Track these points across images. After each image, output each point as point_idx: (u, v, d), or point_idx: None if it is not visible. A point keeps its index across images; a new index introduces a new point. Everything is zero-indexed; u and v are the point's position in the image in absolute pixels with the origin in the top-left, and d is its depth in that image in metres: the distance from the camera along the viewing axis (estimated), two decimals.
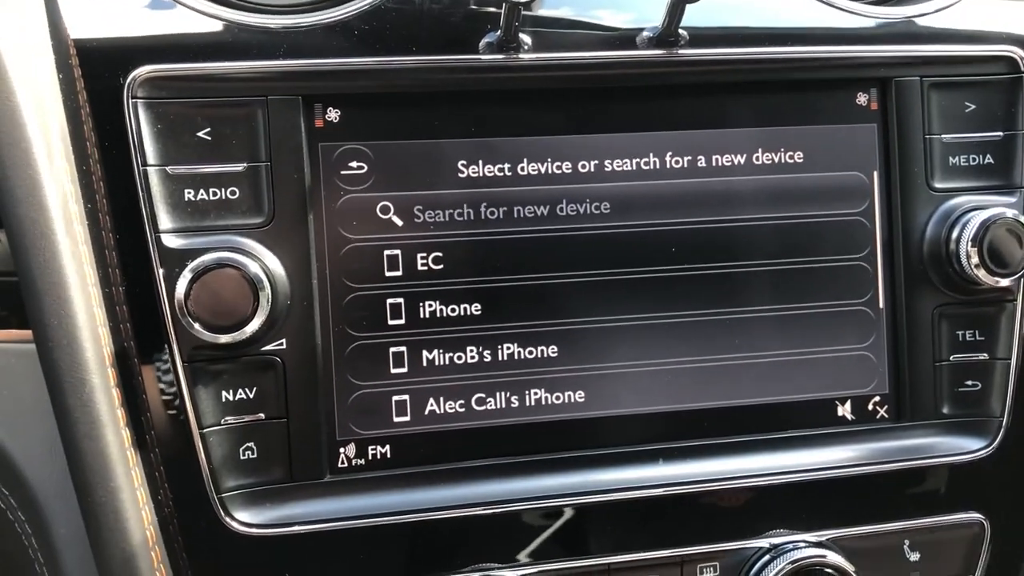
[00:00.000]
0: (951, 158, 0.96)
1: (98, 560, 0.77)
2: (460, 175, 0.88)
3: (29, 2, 0.82)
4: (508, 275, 0.89)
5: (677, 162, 0.92)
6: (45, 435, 0.86)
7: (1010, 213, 0.92)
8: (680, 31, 0.90)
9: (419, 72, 0.86)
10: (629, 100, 0.91)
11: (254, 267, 0.80)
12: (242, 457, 0.84)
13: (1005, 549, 0.97)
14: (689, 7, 0.87)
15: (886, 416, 0.96)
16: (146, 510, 0.81)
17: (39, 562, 0.85)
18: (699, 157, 0.92)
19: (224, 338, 0.80)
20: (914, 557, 0.94)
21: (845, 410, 0.96)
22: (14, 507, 0.86)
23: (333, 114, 0.86)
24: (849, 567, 0.90)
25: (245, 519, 0.83)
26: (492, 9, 0.88)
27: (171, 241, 0.81)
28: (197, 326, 0.79)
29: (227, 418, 0.83)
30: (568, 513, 0.88)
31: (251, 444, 0.84)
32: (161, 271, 0.81)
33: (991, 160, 0.96)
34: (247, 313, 0.80)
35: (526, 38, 0.88)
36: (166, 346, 0.81)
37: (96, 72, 0.82)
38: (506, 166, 0.89)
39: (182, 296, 0.79)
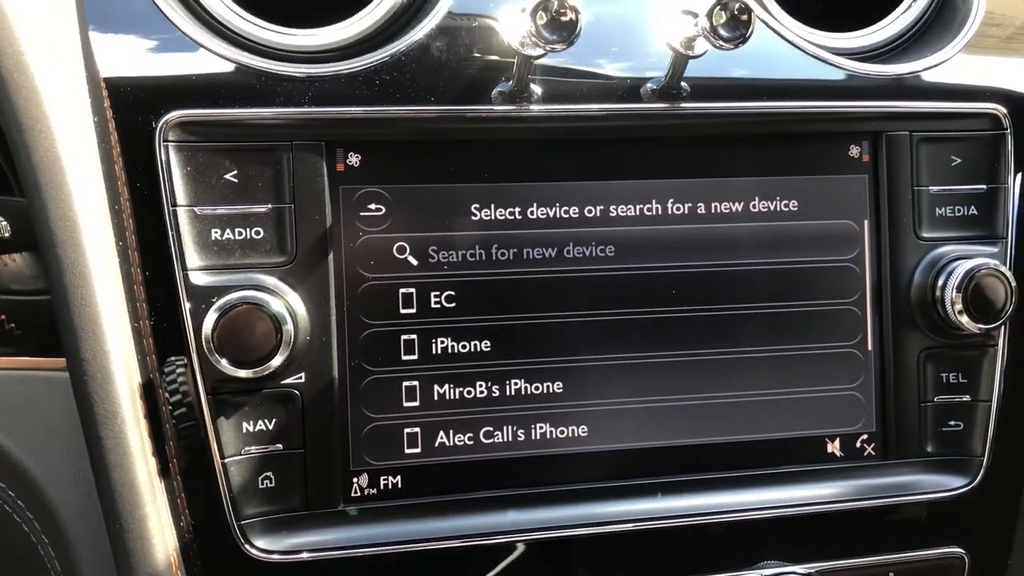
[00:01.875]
0: (938, 209, 1.01)
1: None
2: (473, 218, 0.93)
3: (67, 46, 0.86)
4: (517, 314, 0.93)
5: (678, 208, 0.97)
6: (69, 460, 0.90)
7: (993, 263, 0.97)
8: (682, 84, 0.95)
9: (435, 121, 0.91)
10: (633, 149, 0.96)
11: (277, 305, 0.84)
12: (260, 486, 0.87)
13: None
14: (692, 61, 0.92)
15: (873, 454, 1.01)
16: (169, 535, 0.84)
17: None
18: (699, 204, 0.97)
19: (247, 373, 0.84)
20: None
21: (834, 447, 1.00)
22: (38, 531, 0.89)
23: (354, 159, 0.91)
24: None
25: (263, 546, 0.86)
26: (505, 60, 0.92)
27: (198, 279, 0.85)
28: (224, 361, 0.83)
29: (247, 448, 0.87)
30: (571, 544, 0.92)
31: (269, 473, 0.88)
32: (188, 307, 0.84)
33: (975, 211, 1.02)
34: (269, 349, 0.83)
35: (536, 88, 0.92)
36: (191, 379, 0.84)
37: (129, 115, 0.85)
38: (516, 210, 0.94)
39: (209, 332, 0.82)
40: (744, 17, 0.86)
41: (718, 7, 0.86)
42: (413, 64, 0.90)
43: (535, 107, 0.92)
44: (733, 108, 0.96)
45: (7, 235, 1.21)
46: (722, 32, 0.87)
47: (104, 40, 0.87)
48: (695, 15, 0.89)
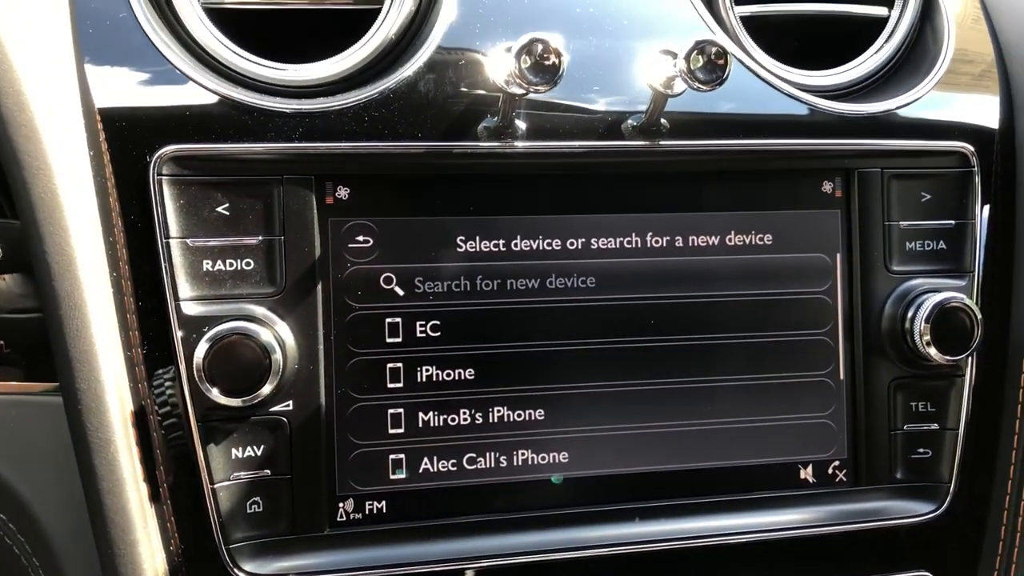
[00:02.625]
0: (907, 243, 1.04)
1: None
2: (459, 249, 0.96)
3: (64, 81, 0.88)
4: (500, 343, 0.96)
5: (657, 242, 1.00)
6: (60, 484, 0.91)
7: (960, 296, 1.00)
8: (662, 120, 0.98)
9: (423, 156, 0.93)
10: (614, 183, 0.99)
11: (266, 335, 0.87)
12: (249, 511, 0.90)
13: None
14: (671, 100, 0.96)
15: (844, 480, 1.04)
16: (159, 559, 0.86)
17: None
18: (677, 237, 1.00)
19: (236, 401, 0.86)
20: None
21: (807, 473, 1.03)
22: (29, 553, 0.91)
23: (343, 192, 0.93)
24: None
25: (251, 569, 0.89)
26: (491, 97, 0.95)
27: (190, 308, 0.88)
28: (214, 390, 0.85)
29: (236, 474, 0.89)
30: (551, 568, 0.95)
31: (257, 498, 0.90)
32: (180, 336, 0.87)
33: (944, 246, 1.05)
34: (258, 378, 0.86)
35: (521, 124, 0.95)
36: (183, 407, 0.87)
37: (123, 149, 0.88)
38: (501, 242, 0.97)
39: (200, 361, 0.85)
40: (720, 61, 0.90)
41: (695, 51, 0.90)
42: (401, 100, 0.93)
43: (520, 143, 0.95)
44: (711, 146, 0.99)
45: None
46: (699, 75, 0.90)
47: (100, 75, 0.89)
48: (675, 55, 0.93)
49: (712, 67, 0.90)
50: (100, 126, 0.88)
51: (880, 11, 1.13)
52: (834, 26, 1.13)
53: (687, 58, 0.90)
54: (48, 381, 1.00)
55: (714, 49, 0.89)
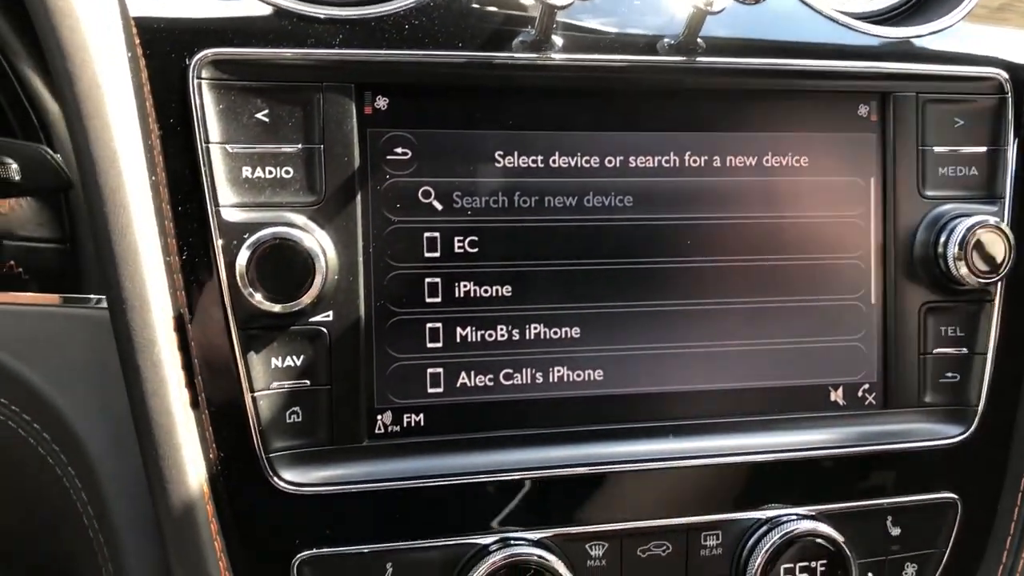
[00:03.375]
0: (940, 168, 1.05)
1: (158, 509, 0.82)
2: (497, 165, 0.95)
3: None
4: (537, 260, 0.96)
5: (695, 161, 0.99)
6: (95, 394, 0.91)
7: (992, 220, 1.01)
8: (699, 40, 0.97)
9: (461, 67, 0.92)
10: (652, 101, 0.99)
11: (309, 242, 0.86)
12: (288, 421, 0.89)
13: (974, 527, 1.06)
14: (709, 18, 0.95)
15: (874, 403, 1.05)
16: (201, 465, 0.86)
17: (88, 515, 0.90)
18: (715, 157, 1.00)
19: (278, 308, 0.85)
20: (895, 531, 1.03)
21: (837, 396, 1.04)
22: (64, 463, 0.90)
23: (382, 102, 0.92)
24: (839, 537, 0.98)
25: (290, 478, 0.88)
26: (529, 11, 0.94)
27: (230, 215, 0.86)
28: (257, 296, 0.84)
29: (276, 383, 0.88)
30: (585, 482, 0.95)
31: (296, 408, 0.89)
32: (220, 243, 0.86)
33: (976, 172, 1.05)
34: (301, 287, 0.85)
35: (558, 39, 0.94)
36: (222, 314, 0.86)
37: (160, 52, 0.86)
38: (539, 158, 0.96)
39: (242, 268, 0.84)
40: None
41: None
42: (441, 10, 0.92)
43: (557, 56, 0.94)
44: (748, 64, 0.99)
45: (17, 178, 1.21)
46: None
47: None
48: None
49: None
50: (135, 30, 0.86)
51: None
52: None
53: None
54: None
55: None
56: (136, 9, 0.87)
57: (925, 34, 1.05)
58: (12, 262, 1.27)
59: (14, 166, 1.21)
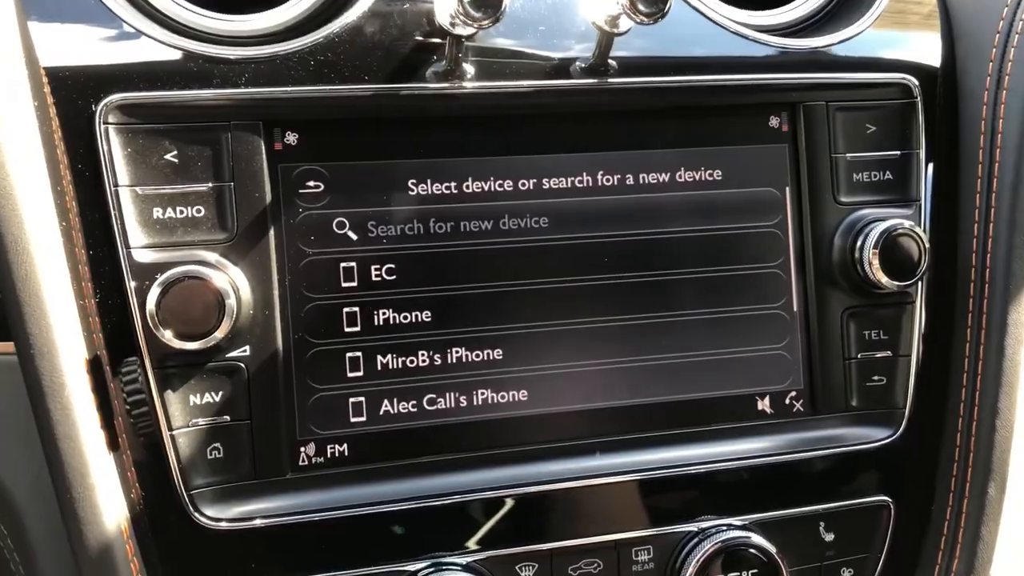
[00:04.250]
0: (855, 175, 1.06)
1: (76, 550, 0.83)
2: (410, 193, 0.96)
3: (5, 33, 0.87)
4: (456, 284, 0.97)
5: (608, 180, 1.01)
6: (16, 442, 0.91)
7: (907, 224, 1.02)
8: (609, 61, 0.99)
9: (370, 99, 0.94)
10: (564, 124, 1.00)
11: (219, 279, 0.87)
12: (209, 457, 0.90)
13: (908, 529, 1.07)
14: (617, 39, 0.96)
15: (802, 409, 1.06)
16: (120, 506, 0.86)
17: (15, 561, 0.90)
18: (628, 175, 1.01)
19: (192, 346, 0.86)
20: (829, 537, 1.03)
21: (764, 404, 1.05)
22: None
23: (291, 137, 0.93)
24: (771, 547, 0.98)
25: (212, 514, 0.89)
26: (437, 40, 0.96)
27: (141, 256, 0.88)
28: (168, 334, 0.85)
29: (195, 420, 0.89)
30: (513, 503, 0.96)
31: (217, 444, 0.90)
32: (132, 284, 0.87)
33: (890, 176, 1.07)
34: (213, 322, 0.86)
35: (468, 68, 0.96)
36: (137, 354, 0.87)
37: (68, 99, 0.88)
38: (452, 184, 0.97)
39: (153, 307, 0.85)
40: None
41: None
42: (347, 45, 0.94)
43: (467, 85, 0.95)
44: (657, 82, 1.00)
45: None
46: (641, 8, 0.91)
47: (42, 28, 0.89)
48: None
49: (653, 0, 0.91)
50: (44, 79, 0.87)
51: None
52: None
53: None
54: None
55: None
56: (45, 58, 0.88)
57: (832, 43, 1.07)
58: None
59: None
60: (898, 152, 1.07)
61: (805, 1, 1.13)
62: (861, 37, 1.08)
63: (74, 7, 0.90)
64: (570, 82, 0.98)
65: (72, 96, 0.88)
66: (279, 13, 0.98)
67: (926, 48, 1.10)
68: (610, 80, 0.99)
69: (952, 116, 1.09)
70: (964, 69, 1.10)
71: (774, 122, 1.05)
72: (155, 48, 0.90)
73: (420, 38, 0.96)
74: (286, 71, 0.92)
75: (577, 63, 0.99)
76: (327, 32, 0.93)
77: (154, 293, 0.85)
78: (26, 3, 0.89)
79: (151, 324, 0.85)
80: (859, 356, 1.06)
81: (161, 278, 0.85)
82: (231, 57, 0.91)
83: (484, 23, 0.87)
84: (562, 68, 0.98)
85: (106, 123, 0.87)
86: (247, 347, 0.91)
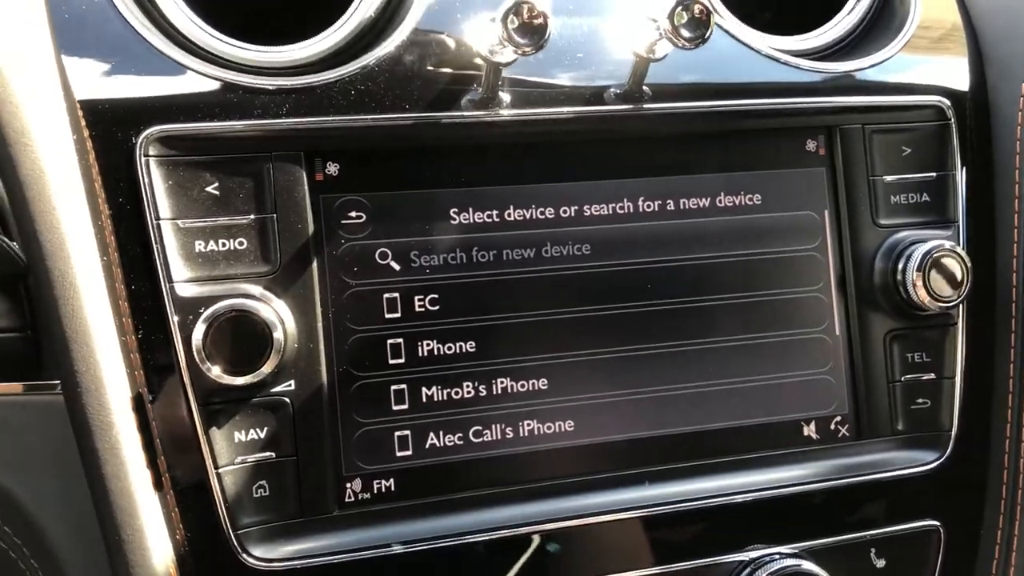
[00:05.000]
0: (892, 196, 1.06)
1: None
2: (452, 222, 0.95)
3: (43, 68, 0.86)
4: (499, 314, 0.95)
5: (649, 206, 1.00)
6: (55, 482, 0.89)
7: (948, 244, 1.01)
8: (644, 88, 0.98)
9: (410, 129, 0.93)
10: (604, 150, 0.99)
11: (266, 312, 0.85)
12: (255, 495, 0.87)
13: (959, 552, 1.06)
14: (652, 65, 0.96)
15: (847, 434, 1.04)
16: (167, 545, 0.84)
17: None
18: (668, 201, 1.01)
19: (238, 381, 0.84)
20: (880, 563, 1.02)
21: (811, 430, 1.03)
22: (26, 556, 0.87)
23: (332, 168, 0.92)
24: (823, 573, 0.97)
25: (260, 554, 0.86)
26: (475, 69, 0.95)
27: (184, 290, 0.86)
28: (215, 370, 0.83)
29: (240, 458, 0.87)
30: (563, 536, 0.94)
31: (263, 482, 0.88)
32: (176, 319, 0.85)
33: (927, 198, 1.07)
34: (261, 357, 0.84)
35: (506, 95, 0.95)
36: (182, 391, 0.85)
37: (106, 133, 0.86)
38: (494, 212, 0.96)
39: (199, 341, 0.83)
40: (704, 17, 0.90)
41: (680, 8, 0.90)
42: (386, 74, 0.93)
43: (506, 112, 0.95)
44: (695, 107, 1.00)
45: None
46: (684, 32, 0.90)
47: (78, 62, 0.87)
48: (655, 20, 0.94)
49: (696, 24, 0.90)
50: (81, 113, 0.86)
51: None
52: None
53: (671, 16, 0.90)
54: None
55: (697, 6, 0.90)
56: (81, 92, 0.87)
57: (866, 67, 1.07)
58: None
59: None
60: (934, 173, 1.07)
61: (834, 26, 1.13)
62: (893, 60, 1.08)
63: (109, 39, 0.88)
64: (607, 108, 0.98)
65: (110, 129, 0.86)
66: (315, 44, 0.97)
67: (957, 70, 1.11)
68: (646, 106, 0.99)
69: (986, 137, 1.10)
70: (996, 91, 1.10)
71: (811, 146, 1.05)
72: (194, 79, 0.89)
73: (458, 66, 0.95)
74: (327, 101, 0.91)
75: (612, 89, 0.98)
76: (367, 61, 0.92)
77: (200, 328, 0.83)
78: (60, 36, 0.88)
79: (197, 360, 0.83)
80: (903, 379, 1.05)
81: (207, 312, 0.84)
82: (271, 87, 0.90)
83: (528, 50, 0.87)
84: (598, 95, 0.98)
85: (146, 156, 0.86)
86: (292, 381, 0.89)
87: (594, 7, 1.01)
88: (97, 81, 0.87)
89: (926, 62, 1.11)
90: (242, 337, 0.84)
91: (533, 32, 0.86)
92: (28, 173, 0.79)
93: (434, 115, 0.93)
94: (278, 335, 0.85)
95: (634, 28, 0.96)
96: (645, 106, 0.98)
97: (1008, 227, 1.07)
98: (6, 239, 1.28)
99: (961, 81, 1.11)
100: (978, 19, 1.16)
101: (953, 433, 1.04)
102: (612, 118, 0.98)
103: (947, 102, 1.07)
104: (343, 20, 0.97)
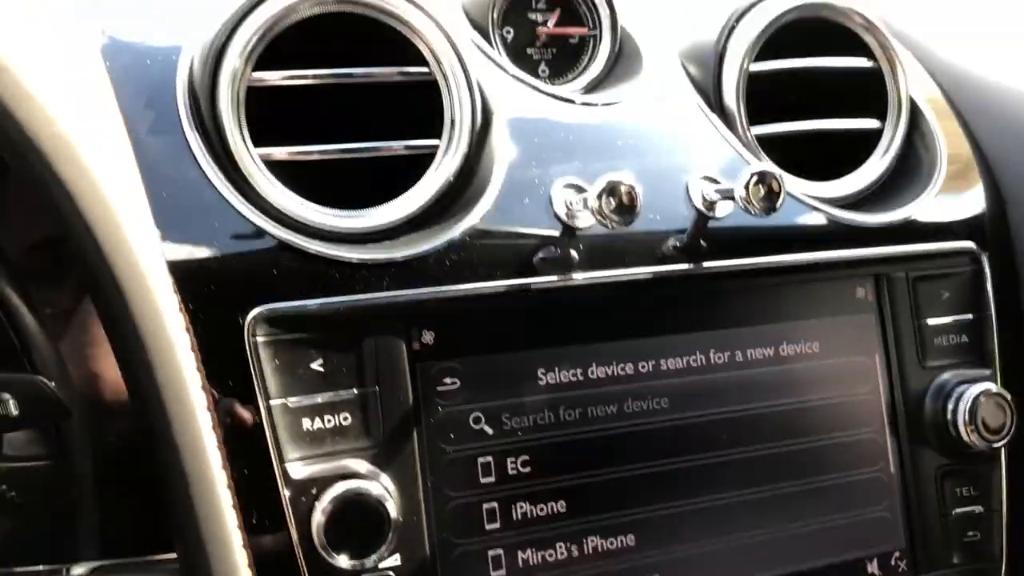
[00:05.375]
0: (936, 339, 1.13)
1: None
2: (540, 382, 0.97)
3: (144, 243, 0.86)
4: (587, 471, 0.98)
5: (719, 358, 1.04)
6: None
7: (994, 388, 1.08)
8: (702, 243, 1.03)
9: (501, 296, 0.96)
10: (676, 305, 1.04)
11: (377, 490, 0.86)
12: None
13: None
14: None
15: (906, 569, 1.09)
16: None
17: None
18: (736, 352, 1.05)
19: (353, 562, 0.85)
20: None
21: (874, 568, 1.08)
22: None
23: (428, 336, 0.94)
24: None
25: None
26: (555, 232, 0.98)
27: (296, 471, 0.86)
28: (336, 556, 0.83)
29: None
30: None
31: None
32: (289, 501, 0.85)
33: (967, 338, 1.14)
34: (378, 537, 0.85)
35: (583, 255, 0.99)
36: (296, 573, 0.84)
37: (210, 313, 0.86)
38: (578, 371, 0.99)
39: (319, 527, 0.83)
40: (778, 190, 0.96)
41: (756, 182, 0.95)
42: (475, 245, 0.95)
43: (586, 274, 0.98)
44: (757, 264, 1.05)
45: (16, 413, 1.16)
46: (758, 204, 0.95)
47: (177, 240, 0.87)
48: (715, 181, 1.00)
49: (771, 195, 0.96)
50: (180, 289, 0.86)
51: (874, 124, 1.22)
52: (829, 140, 1.22)
53: (746, 187, 0.96)
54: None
55: (774, 182, 0.95)
56: (182, 266, 0.86)
57: (907, 217, 1.14)
58: (3, 486, 1.22)
59: (11, 401, 1.17)
60: (971, 316, 1.14)
61: (865, 173, 1.20)
62: (929, 207, 1.16)
63: (206, 217, 0.89)
64: (677, 268, 1.02)
65: (214, 309, 0.86)
66: (398, 208, 0.98)
67: (981, 211, 1.19)
68: (706, 263, 1.03)
69: (1013, 276, 1.18)
70: (1018, 232, 1.18)
71: (860, 293, 1.11)
72: (296, 255, 0.90)
73: (538, 230, 0.99)
74: (423, 271, 0.93)
75: (672, 241, 1.03)
76: (453, 235, 0.95)
77: (318, 513, 0.83)
78: (156, 212, 0.88)
79: (316, 543, 0.83)
80: (954, 513, 1.10)
81: (325, 496, 0.84)
82: (370, 262, 0.92)
83: (620, 227, 0.91)
84: (664, 251, 1.02)
85: (254, 336, 0.86)
86: (398, 555, 0.89)
87: (654, 167, 1.06)
88: (198, 261, 0.87)
89: (956, 204, 1.18)
90: (360, 518, 0.84)
91: (626, 211, 0.90)
92: (155, 346, 0.79)
93: (524, 282, 0.96)
94: (392, 512, 0.86)
95: (695, 187, 1.02)
96: (705, 263, 1.03)
97: None
98: (47, 381, 1.26)
99: (986, 221, 1.18)
100: (991, 155, 1.25)
101: (1003, 565, 1.10)
102: (677, 276, 1.02)
103: (974, 247, 1.15)
104: (424, 183, 0.99)
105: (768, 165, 0.99)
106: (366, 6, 0.98)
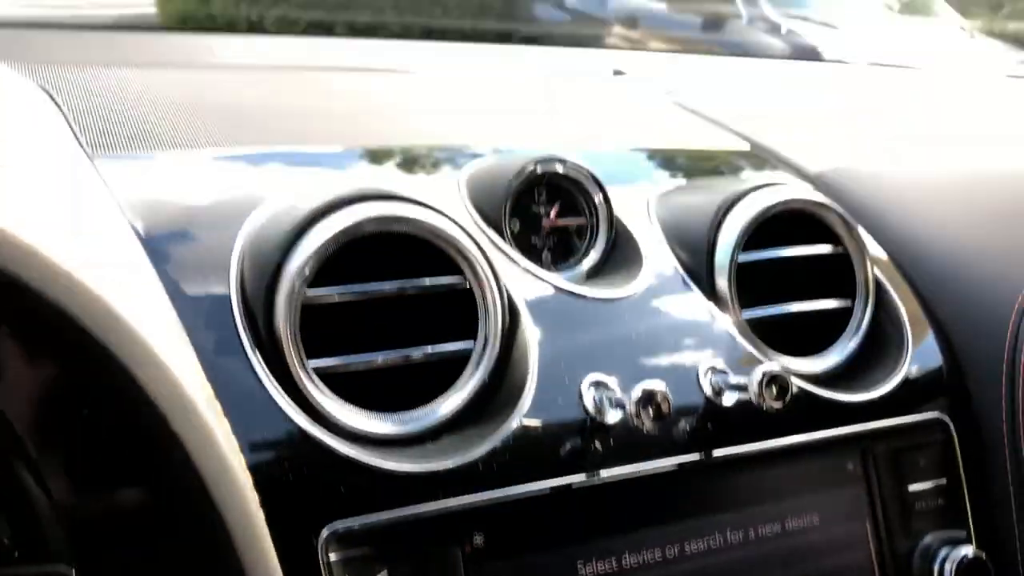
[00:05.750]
0: (918, 504, 1.24)
1: None
2: (580, 574, 1.05)
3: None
4: None
5: (736, 537, 1.13)
6: None
7: (972, 553, 1.20)
8: (709, 426, 1.13)
9: (545, 497, 1.03)
10: (694, 490, 1.13)
11: None
12: None
13: None
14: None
15: None
16: None
17: None
18: (750, 530, 1.14)
19: None
20: None
21: None
22: None
23: (479, 539, 1.00)
24: None
25: None
26: (587, 427, 1.07)
27: None
28: None
29: None
30: None
31: None
32: None
33: (943, 502, 1.26)
34: None
35: (609, 450, 1.07)
36: None
37: (285, 530, 0.90)
38: (612, 560, 1.06)
39: None
40: (787, 387, 1.07)
41: (767, 382, 1.06)
42: (519, 444, 1.03)
43: (618, 469, 1.07)
44: (766, 448, 1.15)
45: None
46: (772, 404, 1.07)
47: (259, 466, 0.92)
48: (724, 372, 1.11)
49: (783, 393, 1.07)
50: (263, 511, 0.90)
51: (846, 303, 1.35)
52: (805, 316, 1.35)
53: (760, 385, 1.07)
54: None
55: (783, 381, 1.07)
56: (263, 491, 0.90)
57: (885, 392, 1.26)
58: None
59: None
60: (944, 480, 1.27)
61: (837, 350, 1.31)
62: (900, 382, 1.28)
63: (276, 434, 0.94)
64: (697, 457, 1.11)
65: (288, 527, 0.91)
66: (437, 409, 1.05)
67: (948, 386, 1.33)
68: (714, 452, 1.13)
69: (979, 444, 1.31)
70: (979, 405, 1.32)
71: (850, 467, 1.22)
72: (355, 469, 0.95)
73: (572, 428, 1.07)
74: (474, 477, 1.00)
75: (683, 426, 1.12)
76: (495, 444, 1.01)
77: None
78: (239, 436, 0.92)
79: None
80: None
81: None
82: (426, 472, 0.98)
83: (653, 430, 1.00)
84: (677, 438, 1.11)
85: (327, 555, 0.91)
86: None
87: (674, 365, 1.15)
88: (271, 476, 0.92)
89: (924, 377, 1.31)
90: None
91: (662, 418, 1.00)
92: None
93: (565, 481, 1.04)
94: None
95: (703, 377, 1.13)
96: (719, 452, 1.13)
97: (1010, 531, 1.27)
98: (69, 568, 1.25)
99: (952, 394, 1.32)
100: (947, 323, 1.39)
101: None
102: (702, 467, 1.12)
103: (946, 417, 1.28)
104: (460, 385, 1.06)
105: (775, 366, 1.10)
106: (411, 223, 1.05)
